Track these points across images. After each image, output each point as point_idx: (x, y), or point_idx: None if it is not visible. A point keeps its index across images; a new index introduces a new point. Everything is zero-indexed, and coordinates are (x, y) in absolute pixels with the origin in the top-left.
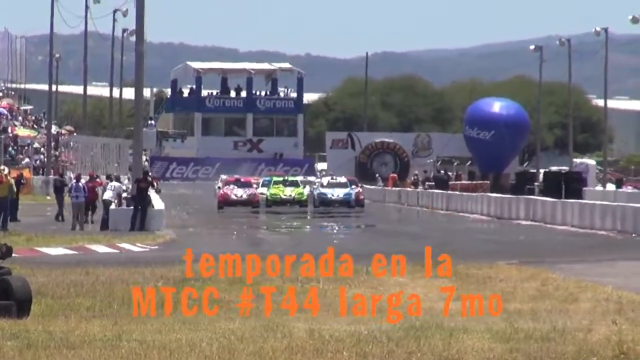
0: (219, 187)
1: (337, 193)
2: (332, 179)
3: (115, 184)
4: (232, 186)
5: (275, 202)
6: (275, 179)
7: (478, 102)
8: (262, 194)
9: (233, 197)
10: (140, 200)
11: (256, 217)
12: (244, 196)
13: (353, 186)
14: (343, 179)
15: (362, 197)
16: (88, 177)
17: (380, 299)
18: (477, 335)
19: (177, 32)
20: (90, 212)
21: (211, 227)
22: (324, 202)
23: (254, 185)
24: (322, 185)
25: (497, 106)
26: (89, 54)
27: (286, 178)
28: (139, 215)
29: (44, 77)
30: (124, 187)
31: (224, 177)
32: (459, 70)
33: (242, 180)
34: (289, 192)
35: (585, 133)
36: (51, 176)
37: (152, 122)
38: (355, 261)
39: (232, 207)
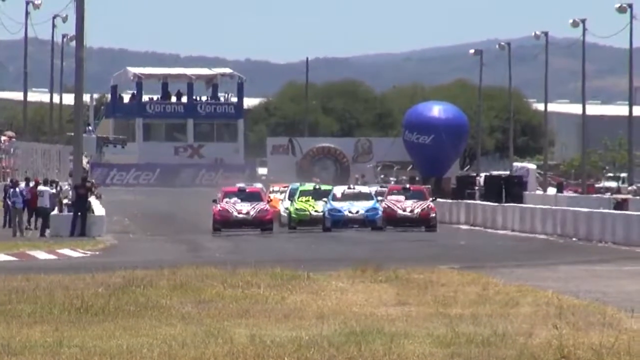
0: (214, 200)
1: (357, 209)
2: (349, 187)
3: (43, 188)
4: (233, 199)
5: (301, 222)
6: (302, 187)
7: (416, 106)
8: (285, 209)
9: (235, 214)
10: (79, 206)
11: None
12: (251, 213)
13: (418, 200)
14: (365, 189)
15: (432, 214)
16: (33, 183)
17: (321, 304)
18: (418, 340)
19: (117, 37)
20: (34, 218)
21: (152, 233)
22: (336, 222)
23: (267, 197)
24: (334, 198)
25: (435, 110)
26: (30, 60)
27: (318, 187)
28: (79, 220)
29: None
30: (52, 191)
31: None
32: (400, 74)
33: (247, 190)
34: (321, 207)
35: (525, 137)
36: None
37: (90, 127)
38: (296, 267)
39: (234, 228)
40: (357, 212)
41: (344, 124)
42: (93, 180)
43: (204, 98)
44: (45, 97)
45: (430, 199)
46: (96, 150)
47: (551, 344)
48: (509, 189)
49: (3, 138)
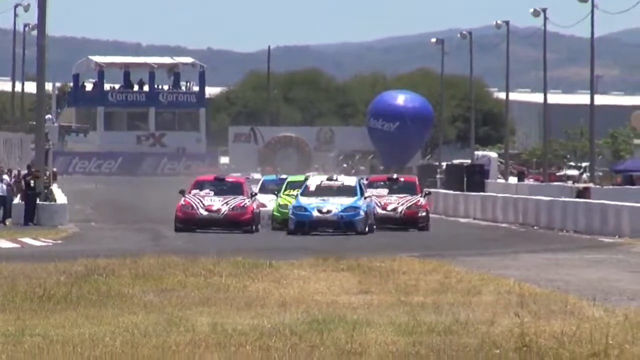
0: (182, 192)
1: (329, 207)
2: (329, 178)
3: None
4: (204, 190)
5: (285, 221)
6: (291, 178)
7: (383, 94)
8: (262, 205)
9: (200, 211)
10: (27, 194)
11: None
12: (223, 210)
13: (406, 195)
14: (351, 180)
15: (422, 213)
16: None
17: (283, 293)
18: (380, 328)
19: (79, 26)
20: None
21: (114, 222)
22: (301, 224)
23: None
24: (305, 192)
25: (401, 98)
26: None
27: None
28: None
29: None
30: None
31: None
32: (362, 63)
33: (226, 180)
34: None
35: (487, 126)
36: None
37: (51, 116)
38: (257, 256)
39: (201, 228)
40: (329, 211)
41: (306, 113)
42: (55, 169)
43: (165, 87)
44: (6, 86)
45: (426, 191)
46: (58, 138)
47: (513, 332)
48: (471, 178)
49: None
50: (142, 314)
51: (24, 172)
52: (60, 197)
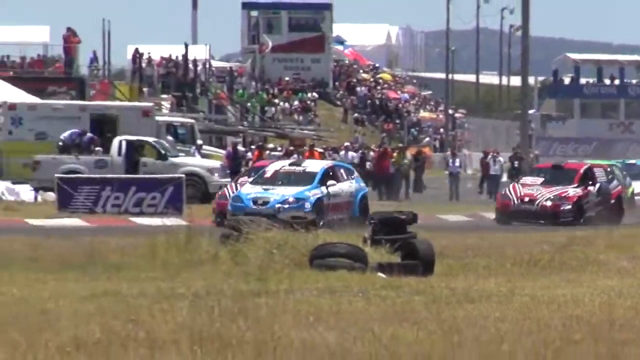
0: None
1: (270, 197)
2: (292, 163)
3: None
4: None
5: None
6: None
7: None
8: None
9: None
10: (510, 174)
11: None
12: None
13: (559, 186)
14: (314, 166)
15: (566, 206)
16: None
17: None
18: None
19: (558, 27)
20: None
21: None
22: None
23: None
24: (257, 179)
25: None
26: (480, 47)
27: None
28: None
29: (440, 67)
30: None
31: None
32: None
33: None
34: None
35: None
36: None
37: (535, 107)
38: None
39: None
40: (265, 203)
41: None
42: (537, 152)
43: (634, 81)
44: (494, 80)
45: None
46: (540, 125)
47: None
48: None
49: (457, 115)
50: (616, 278)
51: (505, 154)
52: None
